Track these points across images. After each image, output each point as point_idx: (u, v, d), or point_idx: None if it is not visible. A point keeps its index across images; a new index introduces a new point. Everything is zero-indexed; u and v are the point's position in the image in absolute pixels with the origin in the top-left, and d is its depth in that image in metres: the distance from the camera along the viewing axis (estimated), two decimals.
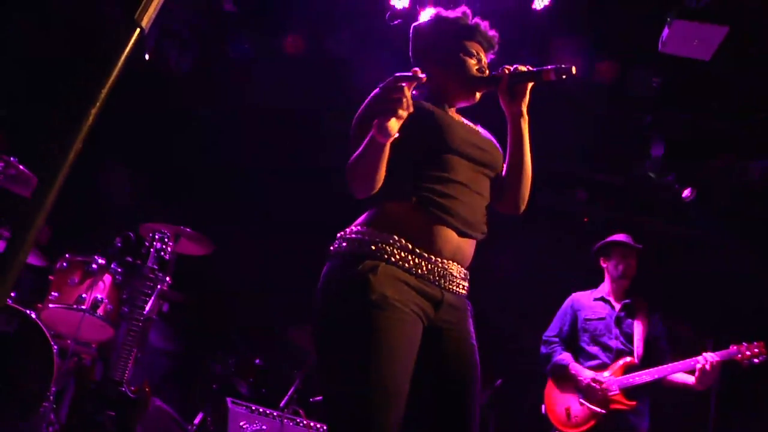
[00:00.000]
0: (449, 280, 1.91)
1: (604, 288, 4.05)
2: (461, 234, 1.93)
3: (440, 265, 1.89)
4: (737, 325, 5.08)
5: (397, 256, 1.83)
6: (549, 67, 1.93)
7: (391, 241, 1.84)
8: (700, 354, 3.56)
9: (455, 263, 1.93)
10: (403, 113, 1.68)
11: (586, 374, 3.79)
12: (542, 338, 4.10)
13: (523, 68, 2.01)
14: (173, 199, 6.19)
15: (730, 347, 3.52)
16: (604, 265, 4.07)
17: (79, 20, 5.12)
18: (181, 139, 6.18)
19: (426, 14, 4.88)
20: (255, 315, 6.14)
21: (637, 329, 3.85)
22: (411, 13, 4.91)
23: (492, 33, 2.16)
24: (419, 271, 1.85)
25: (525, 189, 2.12)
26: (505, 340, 6.13)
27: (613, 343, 3.85)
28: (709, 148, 5.59)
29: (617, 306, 3.96)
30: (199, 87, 5.91)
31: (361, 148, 1.79)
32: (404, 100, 1.66)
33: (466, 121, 2.13)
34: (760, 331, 3.74)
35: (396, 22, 4.93)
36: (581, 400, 3.77)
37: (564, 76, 1.90)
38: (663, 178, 5.69)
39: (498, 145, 2.14)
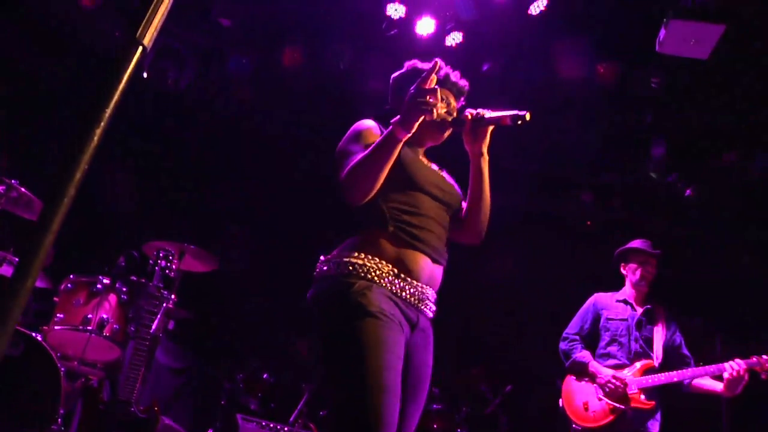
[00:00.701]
0: (425, 303, 2.12)
1: (626, 291, 4.09)
2: (434, 261, 2.14)
3: (419, 289, 2.09)
4: (741, 323, 5.05)
5: (386, 279, 2.03)
6: (506, 113, 2.13)
7: (380, 265, 2.04)
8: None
9: (430, 288, 2.14)
10: (435, 111, 1.95)
11: (605, 372, 3.81)
12: (562, 335, 4.13)
13: (484, 113, 2.21)
14: (176, 215, 6.18)
15: (751, 358, 3.54)
16: (624, 271, 4.11)
17: (80, 37, 5.13)
18: (181, 155, 6.17)
19: (421, 24, 4.90)
20: (261, 330, 6.12)
21: (657, 334, 3.89)
22: (407, 23, 4.93)
23: (462, 83, 2.38)
24: (404, 294, 2.05)
25: (484, 220, 2.34)
26: (511, 347, 6.11)
27: (633, 345, 3.88)
28: (709, 148, 5.58)
29: (639, 309, 3.99)
30: (199, 102, 5.92)
31: (370, 150, 2.01)
32: (438, 102, 1.92)
33: (433, 166, 2.36)
34: (763, 329, 3.74)
35: (392, 32, 4.94)
36: (600, 396, 3.79)
37: (519, 122, 2.09)
38: (664, 178, 5.68)
39: (458, 188, 2.38)
